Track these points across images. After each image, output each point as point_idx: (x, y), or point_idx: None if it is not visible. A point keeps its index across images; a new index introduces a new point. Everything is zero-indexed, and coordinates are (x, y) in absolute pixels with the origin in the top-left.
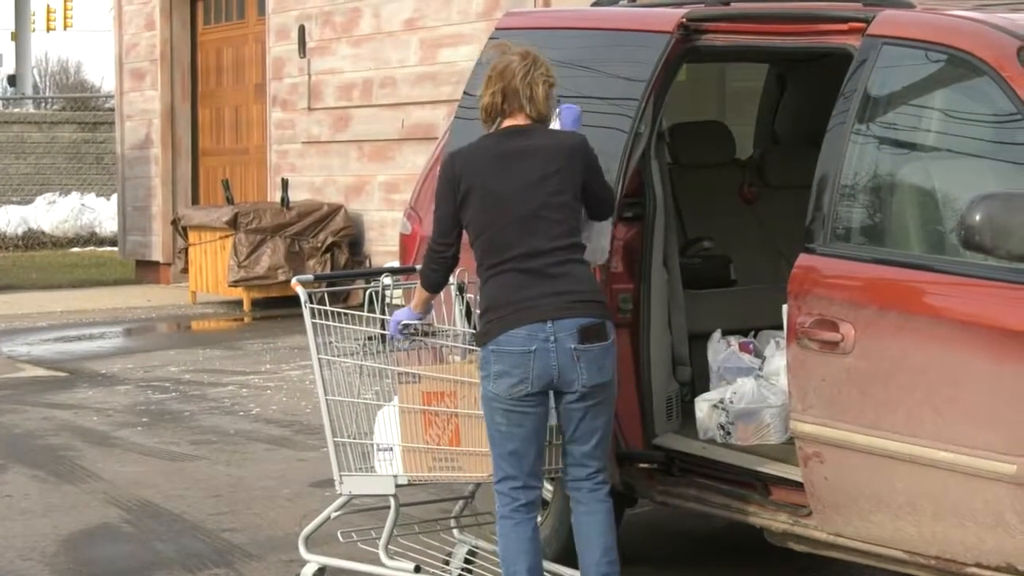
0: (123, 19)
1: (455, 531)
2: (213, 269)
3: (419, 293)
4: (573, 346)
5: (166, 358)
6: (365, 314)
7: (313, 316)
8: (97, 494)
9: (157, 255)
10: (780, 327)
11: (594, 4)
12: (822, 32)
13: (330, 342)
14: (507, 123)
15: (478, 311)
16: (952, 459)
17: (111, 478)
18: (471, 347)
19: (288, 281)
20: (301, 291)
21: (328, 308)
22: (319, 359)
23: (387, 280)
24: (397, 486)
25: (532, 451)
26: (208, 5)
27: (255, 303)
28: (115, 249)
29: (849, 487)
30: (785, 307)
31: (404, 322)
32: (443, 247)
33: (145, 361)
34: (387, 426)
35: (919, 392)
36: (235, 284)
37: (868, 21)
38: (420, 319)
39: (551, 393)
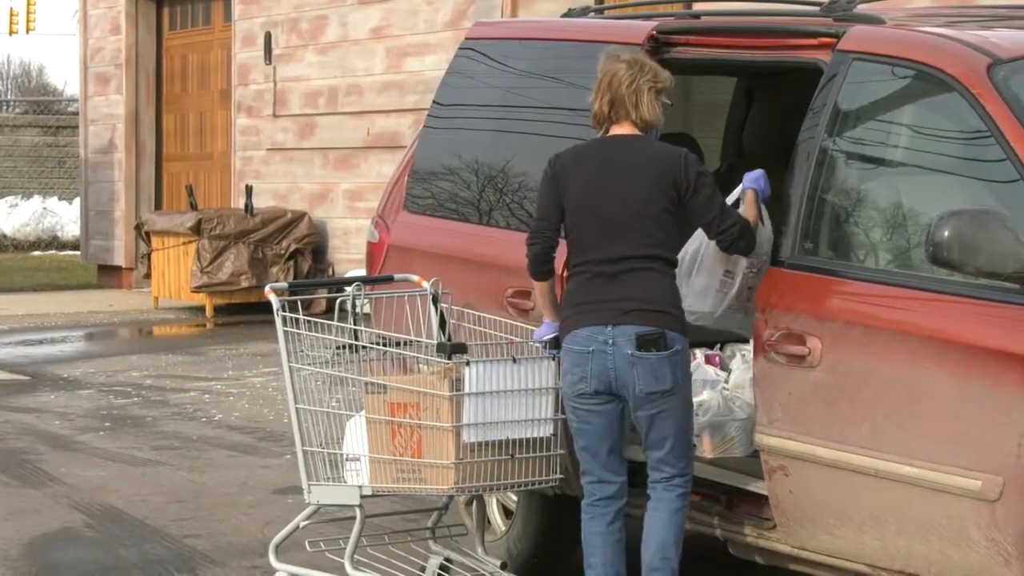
0: (88, 23)
1: (430, 542)
2: (176, 275)
3: (536, 290)
4: (631, 352)
5: (128, 363)
6: (336, 323)
7: (285, 324)
8: (60, 498)
9: (120, 260)
10: (746, 340)
11: (564, 15)
12: (792, 47)
13: (301, 351)
14: (614, 130)
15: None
16: (917, 474)
17: (74, 482)
18: (435, 359)
19: (251, 288)
20: (274, 299)
21: (300, 316)
22: (289, 367)
23: (349, 290)
24: (362, 496)
25: (603, 448)
26: (174, 11)
27: (218, 309)
28: (77, 253)
29: (814, 501)
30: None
31: (545, 338)
32: (544, 222)
33: (107, 366)
34: (355, 436)
35: (885, 407)
36: (198, 290)
37: (838, 36)
38: (554, 328)
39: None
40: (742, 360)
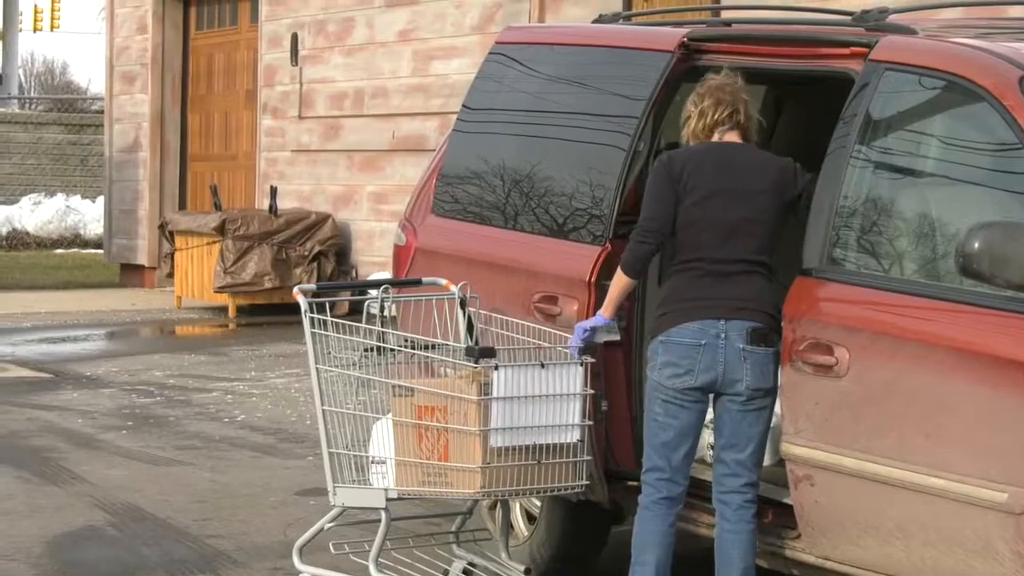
0: (115, 22)
1: (454, 546)
2: (199, 274)
3: (616, 284)
4: (742, 346)
5: (151, 362)
6: (364, 325)
7: (312, 325)
8: (82, 496)
9: (142, 259)
10: None
11: (595, 21)
12: (824, 56)
13: (328, 352)
14: (726, 138)
15: (657, 304)
16: (943, 486)
17: (96, 481)
18: (459, 361)
19: (274, 289)
20: (302, 300)
21: (328, 318)
22: (316, 369)
23: (375, 292)
24: (388, 499)
25: (683, 447)
26: (201, 11)
27: (240, 310)
28: (99, 251)
29: (839, 511)
30: None
31: (592, 326)
32: (656, 221)
33: (130, 365)
34: (382, 439)
35: (912, 418)
36: (221, 290)
37: (870, 46)
38: (611, 323)
39: (711, 398)
40: None
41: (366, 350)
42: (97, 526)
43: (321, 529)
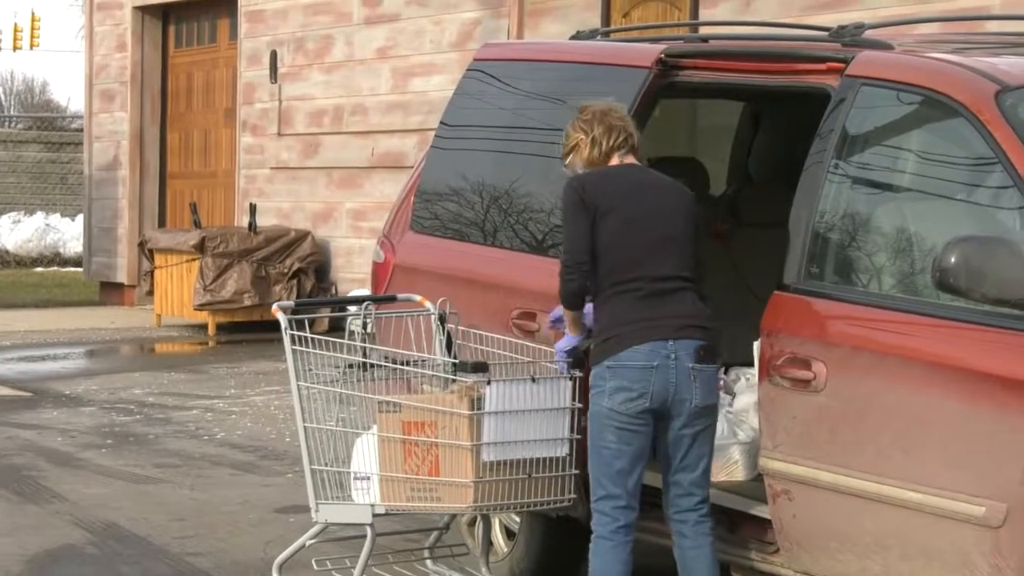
0: (94, 40)
1: (428, 562)
2: (179, 292)
3: (567, 314)
4: (691, 365)
5: (130, 380)
6: (346, 341)
7: (293, 342)
8: (62, 515)
9: (122, 277)
10: (751, 364)
11: (573, 38)
12: (800, 71)
13: (309, 369)
14: (626, 161)
15: (595, 329)
16: (921, 500)
17: (76, 499)
18: (450, 376)
19: (253, 306)
20: (282, 317)
21: (308, 335)
22: (297, 385)
23: (354, 308)
24: (374, 515)
25: (637, 471)
26: (180, 28)
27: (220, 327)
28: (79, 270)
29: (817, 525)
30: (757, 344)
31: (568, 348)
32: (580, 254)
33: (109, 383)
34: (365, 455)
35: (889, 432)
36: (201, 308)
37: (847, 61)
38: (581, 340)
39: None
40: (747, 384)
41: (349, 366)
42: (76, 544)
43: (303, 546)
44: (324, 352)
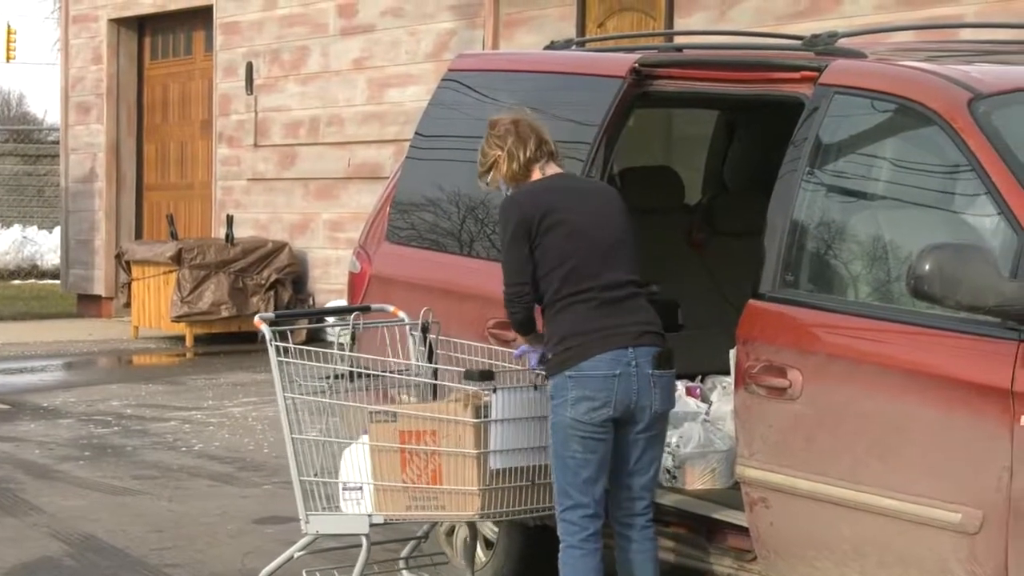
0: (70, 52)
1: (404, 572)
2: (156, 304)
3: (522, 338)
4: (651, 371)
5: (108, 392)
6: (335, 352)
7: (278, 354)
8: (39, 527)
9: (99, 289)
10: (727, 372)
11: (547, 48)
12: (774, 80)
13: (293, 380)
14: (548, 171)
15: (549, 340)
16: (897, 507)
17: (53, 511)
18: (433, 383)
19: (231, 318)
20: (266, 329)
21: (291, 345)
22: (284, 397)
23: (330, 320)
24: (371, 525)
25: (602, 479)
26: (155, 40)
27: (198, 339)
28: (57, 282)
29: (794, 533)
30: (733, 352)
31: (533, 354)
32: (520, 287)
33: (87, 395)
34: (355, 465)
35: (865, 439)
36: (178, 319)
37: (820, 70)
38: (537, 349)
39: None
40: (723, 392)
41: (337, 376)
42: (54, 557)
43: (290, 558)
44: (309, 363)
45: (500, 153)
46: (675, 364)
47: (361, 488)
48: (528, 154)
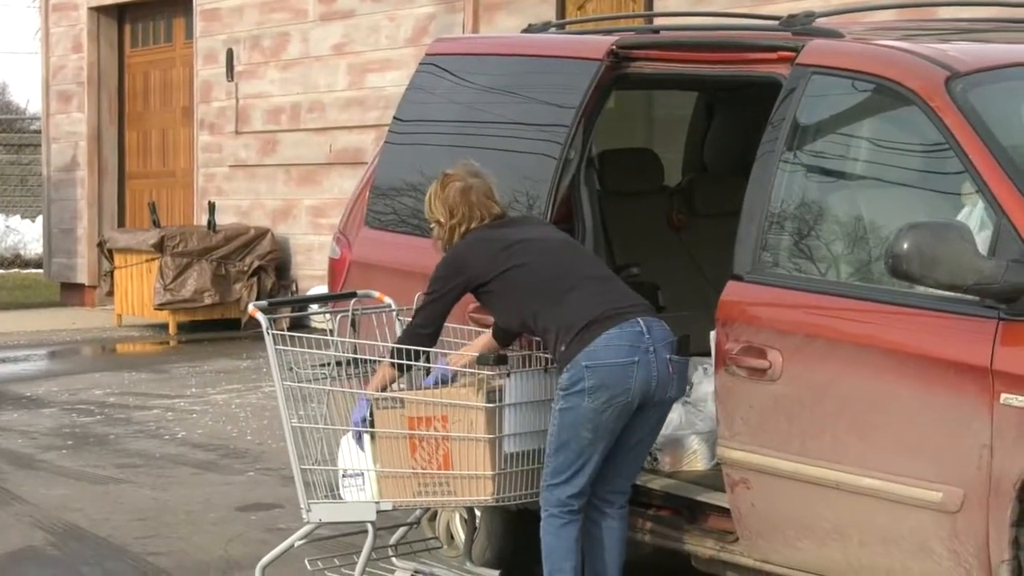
0: (50, 41)
1: (394, 559)
2: (139, 292)
3: (382, 371)
4: (669, 356)
5: (91, 381)
6: (336, 339)
7: (276, 342)
8: (22, 517)
9: (83, 278)
10: (708, 354)
11: (525, 31)
12: (751, 61)
13: (290, 368)
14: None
15: (554, 335)
16: (878, 486)
17: (36, 501)
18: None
19: (214, 305)
20: (262, 317)
21: (289, 334)
22: (284, 386)
23: (314, 308)
24: (379, 512)
25: (598, 462)
26: (136, 28)
27: (181, 326)
28: (40, 271)
29: (776, 513)
30: (713, 334)
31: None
32: (431, 329)
33: (70, 384)
34: (353, 451)
35: (846, 419)
36: (161, 307)
37: (797, 50)
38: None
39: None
40: (704, 373)
41: (338, 363)
42: (37, 546)
43: (291, 547)
44: (307, 350)
45: (443, 220)
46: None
47: (362, 475)
48: (472, 226)
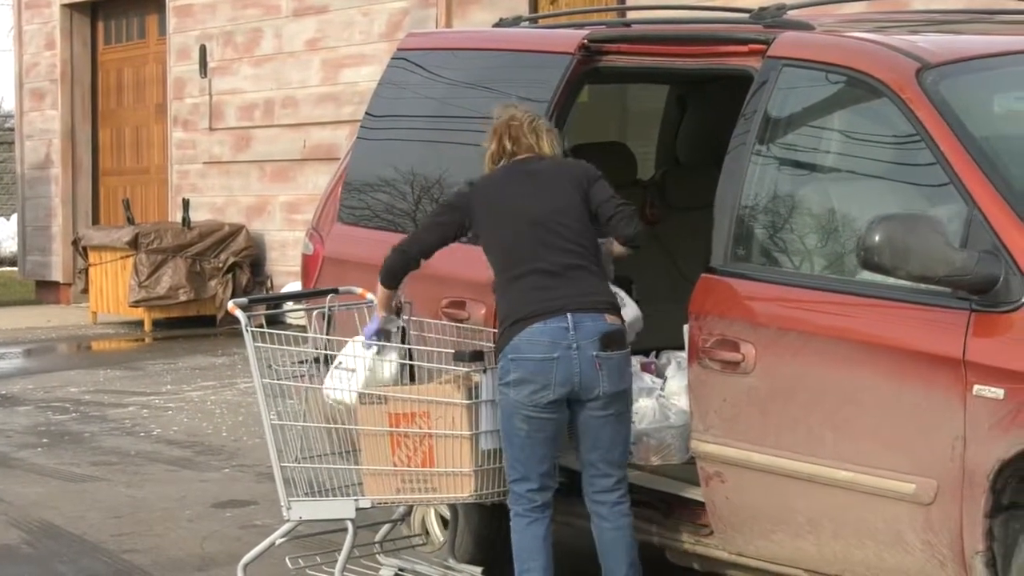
0: (23, 39)
1: (379, 556)
2: (114, 289)
3: (382, 294)
4: (595, 353)
5: (66, 379)
6: (312, 335)
7: (255, 339)
8: None
9: (57, 275)
10: (681, 347)
11: (496, 25)
12: (723, 54)
13: (269, 365)
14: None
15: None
16: (852, 478)
17: (11, 499)
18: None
19: (189, 302)
20: (241, 315)
21: (269, 331)
22: (263, 383)
23: (289, 305)
24: (358, 509)
25: (551, 454)
26: (108, 25)
27: (156, 323)
28: (14, 269)
29: (750, 506)
30: (686, 327)
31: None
32: (415, 246)
33: (45, 382)
34: (357, 350)
35: (819, 412)
36: (136, 304)
37: (768, 43)
38: (389, 319)
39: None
40: (677, 367)
41: (315, 360)
42: (12, 544)
43: (272, 545)
44: (286, 348)
45: (485, 145)
46: (626, 343)
47: (355, 370)
48: (503, 155)
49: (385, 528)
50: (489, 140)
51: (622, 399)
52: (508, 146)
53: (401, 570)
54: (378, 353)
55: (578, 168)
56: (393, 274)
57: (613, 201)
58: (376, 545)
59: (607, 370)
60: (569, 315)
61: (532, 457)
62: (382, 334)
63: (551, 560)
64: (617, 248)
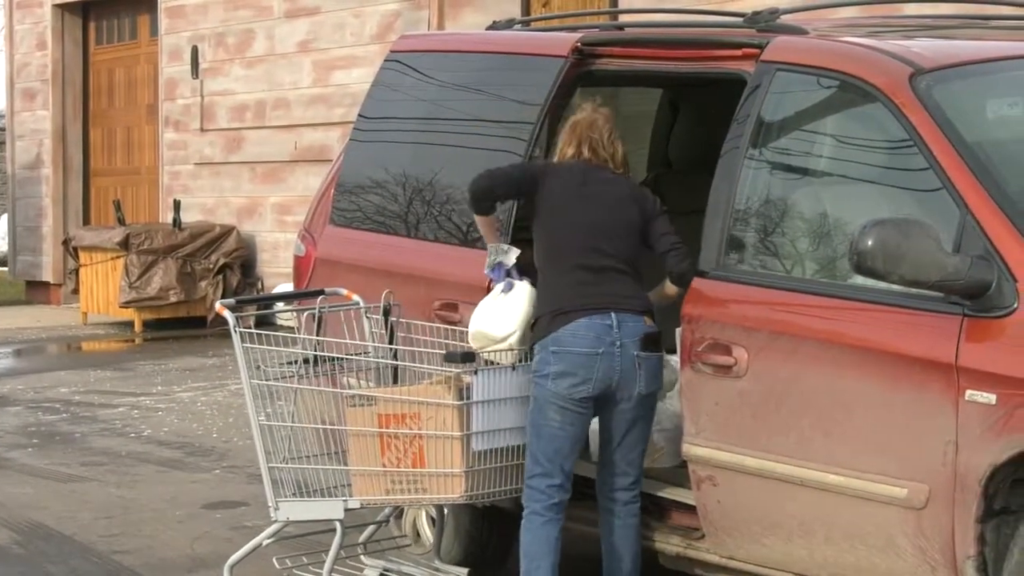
0: (14, 38)
1: (363, 557)
2: (104, 290)
3: (479, 222)
4: (636, 353)
5: (57, 379)
6: (302, 336)
7: (243, 340)
8: None
9: (48, 275)
10: (674, 351)
11: (489, 28)
12: (716, 58)
13: (258, 366)
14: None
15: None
16: (843, 483)
17: (1, 500)
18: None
19: (179, 303)
20: (229, 315)
21: (256, 332)
22: (251, 384)
23: (280, 305)
24: (346, 510)
25: (575, 453)
26: (100, 25)
27: (146, 324)
28: (5, 269)
29: (741, 510)
30: (678, 331)
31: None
32: (486, 179)
33: (36, 382)
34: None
35: (811, 416)
36: (126, 305)
37: (761, 47)
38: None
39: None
40: (670, 371)
41: (305, 361)
42: (2, 545)
43: (259, 545)
44: (275, 348)
45: (561, 144)
46: (661, 347)
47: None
48: (567, 157)
49: (370, 529)
50: (568, 141)
51: (651, 401)
52: (585, 153)
53: (386, 570)
54: (506, 290)
55: (645, 200)
56: (485, 194)
57: (670, 237)
58: (360, 546)
59: (645, 370)
60: (613, 314)
61: (560, 451)
62: (500, 268)
63: (558, 564)
64: (670, 288)
